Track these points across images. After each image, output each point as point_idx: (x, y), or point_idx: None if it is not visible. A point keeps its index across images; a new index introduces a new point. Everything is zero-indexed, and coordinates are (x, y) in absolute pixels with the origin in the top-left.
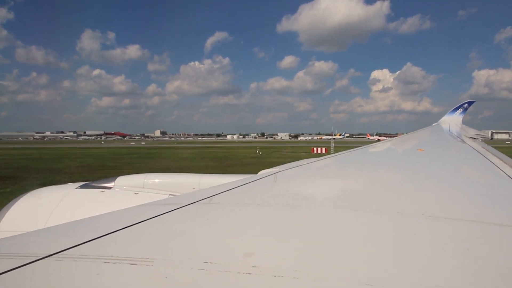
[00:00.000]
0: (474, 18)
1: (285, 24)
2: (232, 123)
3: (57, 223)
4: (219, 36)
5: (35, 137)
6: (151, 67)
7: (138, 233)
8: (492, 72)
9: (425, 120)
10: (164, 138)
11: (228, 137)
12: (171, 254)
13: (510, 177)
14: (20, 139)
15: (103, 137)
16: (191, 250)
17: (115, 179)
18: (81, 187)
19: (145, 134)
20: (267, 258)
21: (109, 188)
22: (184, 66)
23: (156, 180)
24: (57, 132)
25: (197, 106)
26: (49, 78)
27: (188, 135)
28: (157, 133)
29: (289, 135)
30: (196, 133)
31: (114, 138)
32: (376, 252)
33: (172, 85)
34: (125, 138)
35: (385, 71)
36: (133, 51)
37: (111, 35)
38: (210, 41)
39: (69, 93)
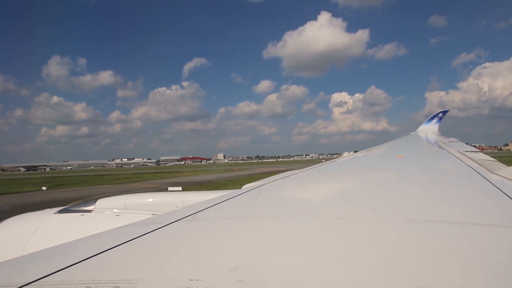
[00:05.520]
0: (443, 45)
1: (271, 50)
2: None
3: (35, 251)
4: (197, 62)
5: (118, 165)
6: (121, 93)
7: (120, 255)
8: (442, 93)
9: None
10: (232, 161)
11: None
12: (155, 274)
13: (486, 178)
14: (93, 167)
15: (184, 162)
16: (176, 269)
17: (95, 202)
18: (60, 212)
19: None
20: (252, 272)
21: (89, 211)
22: (157, 92)
23: (138, 201)
24: (128, 159)
25: (165, 132)
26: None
27: (247, 158)
28: (220, 156)
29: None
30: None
31: (201, 162)
32: (360, 258)
33: (139, 111)
34: (211, 162)
35: (353, 94)
36: (105, 77)
37: (82, 61)
38: (188, 66)
39: (20, 122)
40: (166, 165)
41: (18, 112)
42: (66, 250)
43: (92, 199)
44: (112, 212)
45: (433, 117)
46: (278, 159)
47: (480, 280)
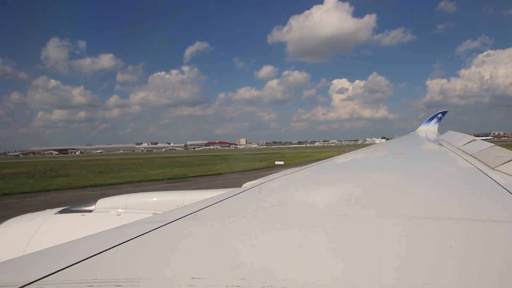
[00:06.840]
0: (450, 31)
1: (276, 35)
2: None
3: (36, 251)
4: (199, 46)
5: (148, 149)
6: (120, 77)
7: (122, 253)
8: (444, 81)
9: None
10: (260, 146)
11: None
12: (157, 273)
13: (486, 174)
14: (121, 151)
15: (212, 147)
16: (178, 267)
17: (95, 202)
18: (60, 212)
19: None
20: (255, 269)
21: (90, 211)
22: (156, 76)
23: (139, 200)
24: (152, 144)
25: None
26: None
27: (266, 143)
28: (242, 141)
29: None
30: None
31: (229, 146)
32: (362, 255)
33: (138, 96)
34: (239, 147)
35: (353, 80)
36: (105, 60)
37: (81, 44)
38: (190, 50)
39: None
40: (195, 149)
41: (15, 96)
42: (67, 249)
43: (92, 200)
44: (113, 212)
45: (432, 118)
46: (303, 145)
47: (482, 277)
